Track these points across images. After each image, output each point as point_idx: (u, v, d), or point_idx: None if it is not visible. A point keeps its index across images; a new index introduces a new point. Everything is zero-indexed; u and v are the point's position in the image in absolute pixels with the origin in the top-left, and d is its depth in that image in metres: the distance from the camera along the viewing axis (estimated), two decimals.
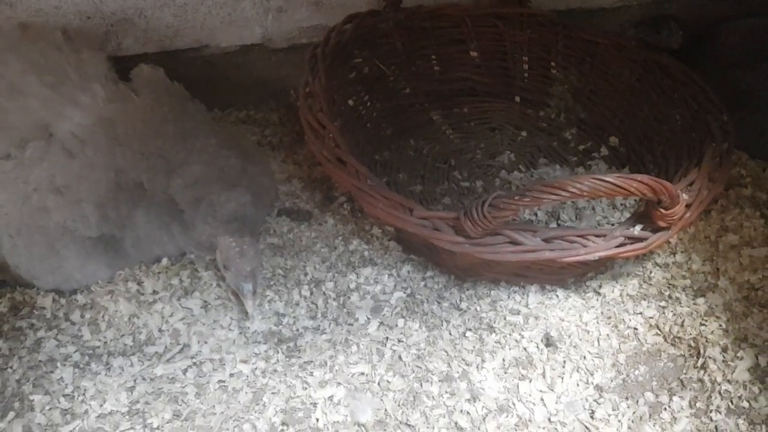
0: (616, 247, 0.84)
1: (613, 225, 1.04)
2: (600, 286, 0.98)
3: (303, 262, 0.99)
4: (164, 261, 0.97)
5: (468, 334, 0.90)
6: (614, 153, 1.21)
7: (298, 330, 0.90)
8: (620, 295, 0.97)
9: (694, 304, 0.94)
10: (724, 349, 0.87)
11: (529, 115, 1.31)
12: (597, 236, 0.85)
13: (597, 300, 0.97)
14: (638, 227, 0.86)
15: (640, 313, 0.94)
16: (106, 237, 0.93)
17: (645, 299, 0.96)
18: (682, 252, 1.03)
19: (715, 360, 0.86)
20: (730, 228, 1.05)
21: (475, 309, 0.94)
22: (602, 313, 0.95)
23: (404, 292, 0.95)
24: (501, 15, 1.28)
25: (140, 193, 0.94)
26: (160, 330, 0.89)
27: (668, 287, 0.98)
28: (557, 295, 0.97)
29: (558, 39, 1.26)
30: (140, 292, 0.93)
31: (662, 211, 0.81)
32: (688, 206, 0.87)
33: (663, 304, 0.95)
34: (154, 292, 0.93)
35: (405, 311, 0.93)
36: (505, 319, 0.93)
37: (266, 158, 1.16)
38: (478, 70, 1.32)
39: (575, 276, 0.99)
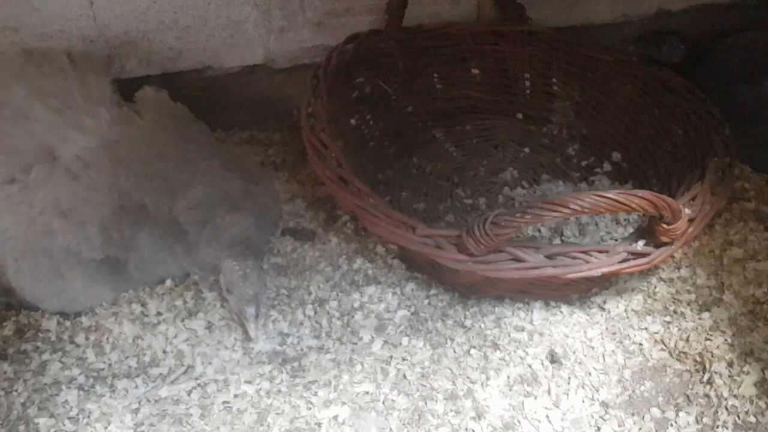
0: (619, 262, 0.84)
1: (616, 240, 1.04)
2: (605, 302, 0.98)
3: (307, 282, 0.99)
4: (168, 282, 0.97)
5: (472, 351, 0.90)
6: (617, 168, 1.21)
7: (302, 349, 0.90)
8: (625, 310, 0.97)
9: (699, 318, 0.94)
10: (730, 364, 0.87)
11: (532, 132, 1.31)
12: (600, 252, 0.85)
13: (602, 316, 0.96)
14: (641, 243, 0.86)
15: (645, 329, 0.94)
16: (110, 259, 0.93)
17: (650, 314, 0.96)
18: (686, 266, 1.03)
19: (721, 375, 0.86)
20: (734, 242, 1.05)
21: (480, 326, 0.94)
22: (607, 329, 0.94)
23: (408, 311, 0.95)
24: (501, 33, 1.29)
25: (144, 215, 0.94)
26: (164, 351, 0.89)
27: (673, 302, 0.98)
28: (562, 312, 0.97)
29: (559, 55, 1.27)
30: (144, 314, 0.93)
31: (665, 226, 0.81)
32: (690, 221, 0.87)
33: (668, 319, 0.94)
34: (158, 314, 0.93)
35: (409, 329, 0.92)
36: (509, 336, 0.93)
37: (269, 179, 1.16)
38: (480, 87, 1.33)
39: (580, 292, 0.99)
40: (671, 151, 1.10)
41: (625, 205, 0.75)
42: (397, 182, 1.21)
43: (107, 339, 0.91)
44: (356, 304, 0.96)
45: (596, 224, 1.09)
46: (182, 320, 0.92)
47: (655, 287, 1.00)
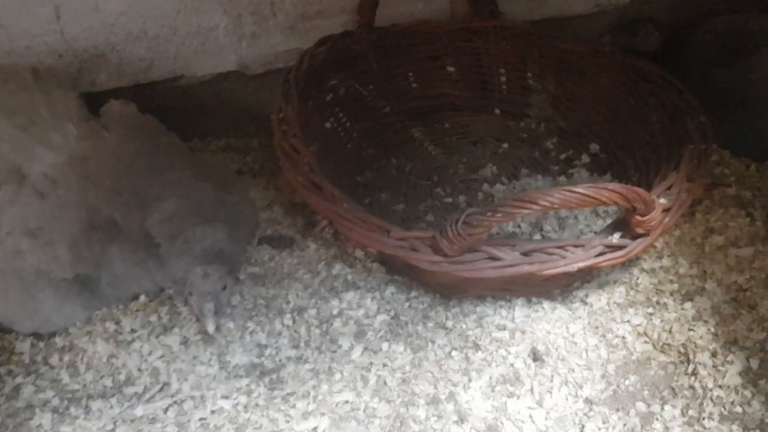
0: (596, 256, 0.83)
1: (596, 233, 1.03)
2: (586, 296, 0.97)
3: (285, 291, 0.98)
4: (142, 298, 0.96)
5: (454, 353, 0.89)
6: (596, 160, 1.20)
7: (280, 361, 0.88)
8: (607, 303, 0.96)
9: (682, 308, 0.92)
10: (714, 354, 0.86)
11: (510, 127, 1.30)
12: (576, 246, 0.84)
13: (584, 310, 0.95)
14: (617, 235, 0.84)
15: (628, 321, 0.93)
16: (81, 277, 0.92)
17: (632, 306, 0.95)
18: (668, 256, 1.02)
19: (705, 365, 0.85)
20: (715, 229, 1.04)
21: (461, 327, 0.93)
22: (589, 323, 0.93)
23: (388, 315, 0.94)
24: (475, 29, 1.27)
25: (115, 231, 0.93)
26: (139, 369, 0.87)
27: (656, 293, 0.97)
28: (543, 308, 0.96)
29: (533, 49, 1.26)
30: (118, 332, 0.92)
31: (639, 218, 0.80)
32: (666, 211, 0.86)
33: (650, 310, 0.93)
34: (132, 331, 0.92)
35: (389, 334, 0.91)
36: (491, 335, 0.91)
37: (246, 187, 1.15)
38: (456, 84, 1.31)
39: (561, 287, 0.98)
40: (648, 140, 1.09)
41: (595, 198, 0.74)
42: (376, 183, 1.20)
43: (81, 359, 0.89)
44: (335, 311, 0.95)
45: (576, 217, 1.08)
46: (157, 336, 0.91)
47: (638, 278, 0.99)
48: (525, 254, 0.83)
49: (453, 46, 1.28)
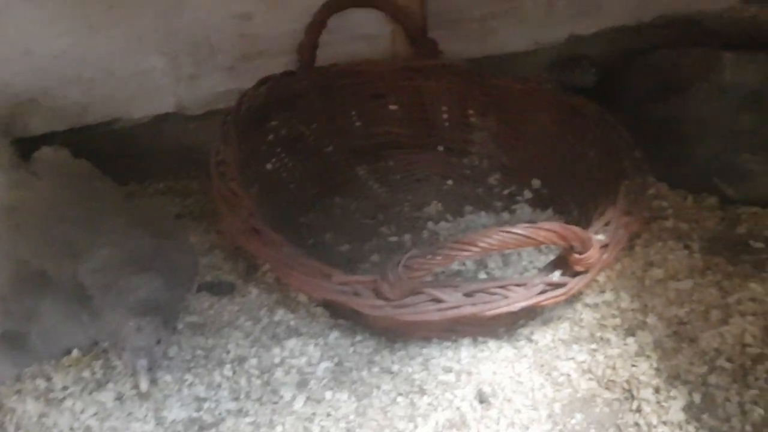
0: (537, 295, 0.83)
1: (538, 269, 1.03)
2: (532, 333, 0.97)
3: (225, 340, 0.95)
4: (75, 353, 0.92)
5: (399, 399, 0.87)
6: (538, 195, 1.21)
7: (220, 414, 0.85)
8: (552, 340, 0.96)
9: (625, 344, 0.93)
10: (657, 390, 0.86)
11: (454, 164, 1.31)
12: (518, 285, 0.83)
13: (529, 348, 0.95)
14: (557, 273, 0.85)
15: (573, 358, 0.92)
16: (9, 333, 0.87)
17: (576, 343, 0.95)
18: (610, 290, 1.03)
19: (648, 402, 0.85)
20: (654, 262, 1.05)
21: (407, 371, 0.92)
22: (535, 361, 0.93)
23: (331, 362, 0.92)
24: (416, 68, 1.28)
25: (46, 283, 0.89)
26: (71, 429, 0.83)
27: (599, 328, 0.97)
28: (489, 347, 0.95)
29: (473, 87, 1.27)
30: (49, 389, 0.87)
31: (576, 256, 0.81)
32: (605, 247, 0.87)
33: (594, 346, 0.93)
34: (64, 388, 0.88)
35: (332, 382, 0.89)
36: (437, 378, 0.90)
37: (185, 232, 1.12)
38: (400, 123, 1.32)
39: (507, 325, 0.97)
40: (587, 175, 1.10)
41: (532, 239, 0.74)
42: (320, 224, 1.18)
43: (10, 420, 0.84)
44: (277, 360, 0.92)
45: (519, 254, 1.08)
46: (90, 393, 0.87)
47: (581, 314, 0.99)
48: (468, 295, 0.83)
49: (395, 84, 1.29)
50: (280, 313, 1.01)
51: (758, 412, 0.82)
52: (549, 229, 0.75)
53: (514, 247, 0.76)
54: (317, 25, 1.21)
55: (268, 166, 1.15)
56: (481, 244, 0.74)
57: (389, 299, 0.81)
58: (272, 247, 0.87)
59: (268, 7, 1.27)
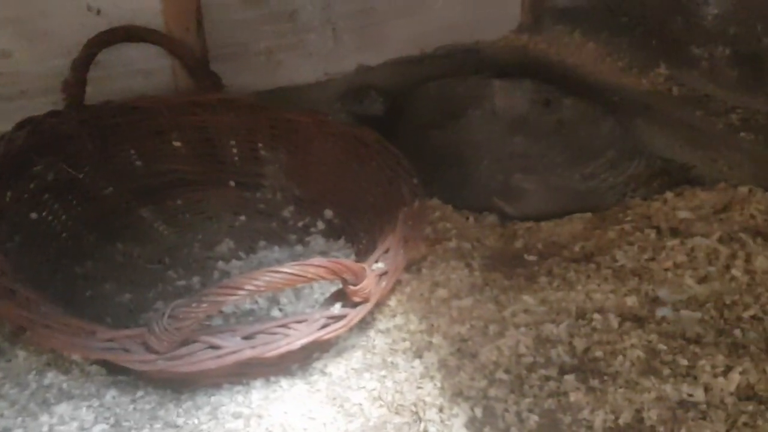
0: (319, 330, 0.83)
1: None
2: (326, 366, 0.96)
3: None
4: None
5: None
6: (330, 226, 1.22)
7: None
8: (345, 371, 0.95)
9: (411, 367, 0.95)
10: (441, 409, 0.88)
11: (246, 198, 1.28)
12: (299, 322, 0.82)
13: (323, 381, 0.94)
14: (338, 305, 0.85)
15: (364, 387, 0.92)
16: None
17: (368, 371, 0.95)
18: (401, 314, 1.05)
19: (433, 422, 0.87)
20: (440, 282, 1.09)
21: (193, 422, 0.87)
22: (327, 395, 0.92)
23: (107, 423, 0.85)
24: (199, 102, 1.25)
25: None
26: None
27: (390, 353, 0.98)
28: (282, 386, 0.92)
29: (261, 120, 1.26)
30: None
31: (352, 287, 0.81)
32: (384, 274, 0.88)
33: (384, 373, 0.94)
34: None
35: None
36: (224, 426, 0.86)
37: None
38: (186, 159, 1.27)
39: (300, 361, 0.96)
40: (372, 203, 1.13)
41: (301, 276, 0.74)
42: (99, 274, 1.10)
43: None
44: (44, 429, 0.83)
45: (311, 287, 1.07)
46: None
47: (374, 340, 1.00)
48: (247, 338, 0.80)
49: (177, 120, 1.25)
50: (50, 376, 0.92)
51: (534, 419, 0.87)
52: (318, 265, 0.75)
53: (284, 287, 0.75)
54: (84, 61, 1.14)
55: (33, 216, 1.05)
56: (249, 287, 0.72)
57: (160, 352, 0.77)
58: (27, 309, 0.79)
59: (29, 42, 1.18)
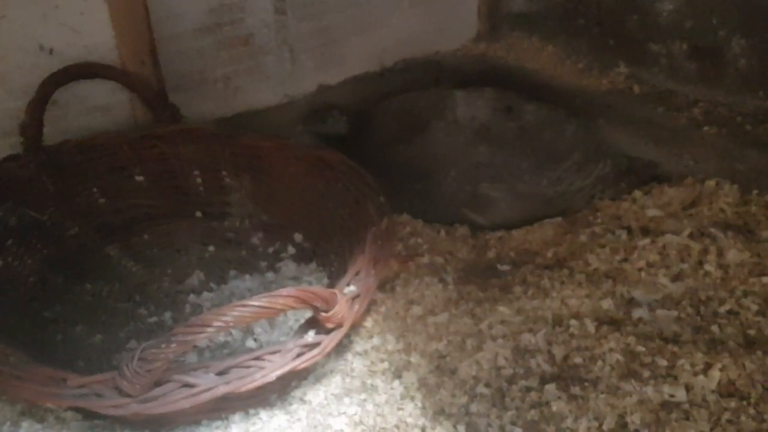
0: (293, 359, 0.82)
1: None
2: (305, 394, 0.94)
3: None
4: None
5: None
6: (301, 250, 1.20)
7: None
8: (325, 397, 0.94)
9: (391, 388, 0.94)
10: (423, 429, 0.87)
11: (214, 228, 1.27)
12: (273, 354, 0.81)
13: (303, 410, 0.92)
14: (311, 333, 0.84)
15: (344, 413, 0.91)
16: None
17: (348, 395, 0.94)
18: (378, 334, 1.04)
19: None
20: (414, 299, 1.08)
21: None
22: (308, 423, 0.90)
23: None
24: (158, 135, 1.24)
25: None
26: None
27: (369, 375, 0.97)
28: (261, 418, 0.91)
29: (223, 148, 1.25)
30: None
31: (324, 314, 0.80)
32: (356, 297, 0.88)
33: (363, 396, 0.93)
34: None
35: None
36: None
37: None
38: (149, 193, 1.25)
39: (277, 391, 0.94)
40: (341, 225, 1.12)
41: (270, 309, 0.73)
42: (69, 316, 1.08)
43: None
44: None
45: (286, 314, 1.06)
46: None
47: (353, 363, 0.99)
48: (221, 374, 0.79)
49: (138, 154, 1.23)
50: (25, 426, 0.89)
51: (517, 431, 0.87)
52: (287, 295, 0.74)
53: (253, 320, 0.74)
54: (39, 102, 1.12)
55: None
56: (217, 324, 0.70)
57: (132, 395, 0.75)
58: None
59: None
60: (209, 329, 0.71)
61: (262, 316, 0.73)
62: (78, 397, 0.77)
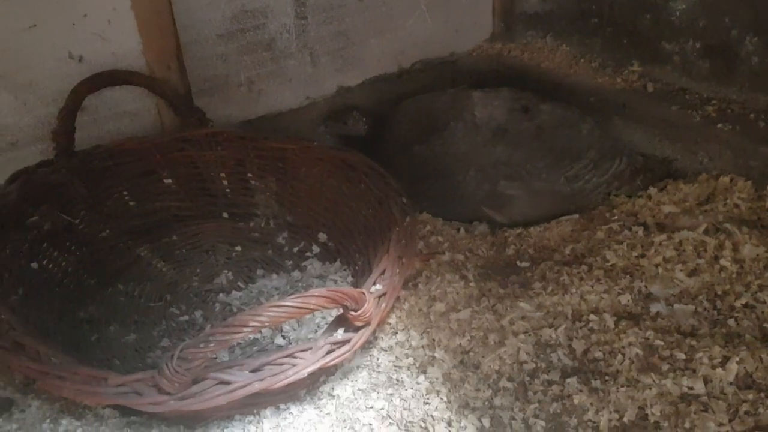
0: (324, 356, 0.85)
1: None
2: (333, 389, 0.98)
3: None
4: None
5: None
6: (325, 249, 1.24)
7: None
8: (353, 392, 0.97)
9: (417, 383, 0.97)
10: (449, 423, 0.91)
11: (240, 229, 1.30)
12: (304, 351, 0.84)
13: (332, 404, 0.96)
14: (341, 331, 0.87)
15: (372, 407, 0.95)
16: None
17: (375, 390, 0.97)
18: (402, 330, 1.07)
19: None
20: (437, 296, 1.11)
21: None
22: (337, 418, 0.94)
23: None
24: (186, 139, 1.27)
25: None
26: None
27: (395, 370, 1.00)
28: (291, 413, 0.94)
29: (248, 151, 1.28)
30: None
31: (353, 313, 0.83)
32: (383, 296, 0.91)
33: (390, 391, 0.96)
34: None
35: None
36: None
37: None
38: (177, 195, 1.29)
39: (306, 386, 0.98)
40: (365, 225, 1.15)
41: (304, 308, 0.76)
42: (102, 316, 1.12)
43: None
44: None
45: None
46: None
47: (378, 359, 1.02)
48: (255, 371, 0.82)
49: (166, 158, 1.26)
50: (65, 423, 0.93)
51: (540, 424, 0.90)
52: (319, 295, 0.77)
53: (287, 320, 0.77)
54: (71, 110, 1.15)
55: (34, 265, 1.07)
56: (253, 324, 0.74)
57: (171, 393, 0.79)
58: (39, 361, 0.81)
59: (14, 95, 1.19)
60: (246, 329, 0.74)
61: (295, 315, 0.76)
62: (118, 395, 0.80)
